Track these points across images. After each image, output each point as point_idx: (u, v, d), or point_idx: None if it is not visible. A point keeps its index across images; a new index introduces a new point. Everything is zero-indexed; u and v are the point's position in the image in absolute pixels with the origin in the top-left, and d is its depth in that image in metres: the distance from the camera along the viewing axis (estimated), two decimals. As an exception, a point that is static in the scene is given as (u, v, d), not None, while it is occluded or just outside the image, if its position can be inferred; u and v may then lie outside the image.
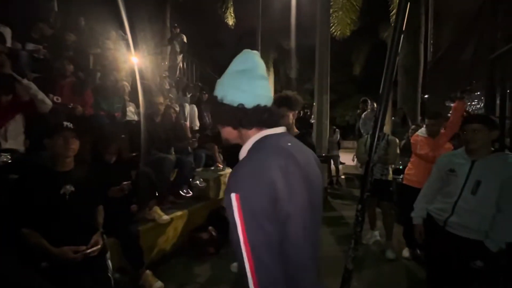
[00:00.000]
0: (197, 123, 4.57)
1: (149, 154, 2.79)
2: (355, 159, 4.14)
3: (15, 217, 1.47)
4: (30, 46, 3.23)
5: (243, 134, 0.73)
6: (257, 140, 0.71)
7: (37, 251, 1.43)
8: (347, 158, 7.91)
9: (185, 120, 4.19)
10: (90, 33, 4.64)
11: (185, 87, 5.18)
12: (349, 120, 17.35)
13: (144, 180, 2.48)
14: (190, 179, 3.25)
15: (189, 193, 3.24)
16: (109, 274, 1.68)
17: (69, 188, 1.56)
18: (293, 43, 12.09)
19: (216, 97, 0.72)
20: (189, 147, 3.51)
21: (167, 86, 5.11)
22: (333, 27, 7.14)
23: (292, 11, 9.85)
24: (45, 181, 1.53)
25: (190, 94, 5.17)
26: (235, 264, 2.33)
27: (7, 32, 2.87)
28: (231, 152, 2.89)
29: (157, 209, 2.60)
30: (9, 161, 1.94)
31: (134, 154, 2.85)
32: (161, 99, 3.14)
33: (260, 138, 0.72)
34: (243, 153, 0.73)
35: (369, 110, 4.79)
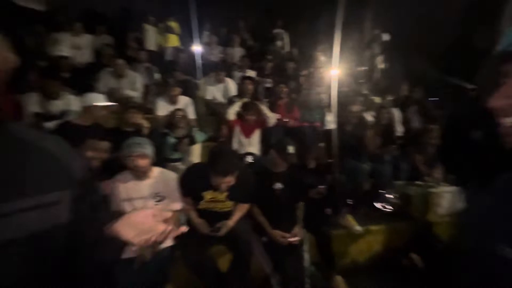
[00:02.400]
0: (400, 129, 3.99)
1: (343, 162, 2.87)
2: None
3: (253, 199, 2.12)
4: (266, 80, 4.60)
5: None
6: None
7: (260, 228, 1.98)
8: None
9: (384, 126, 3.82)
10: (301, 57, 5.72)
11: (385, 90, 4.73)
12: None
13: (338, 187, 2.59)
14: (386, 192, 2.91)
15: (386, 208, 2.90)
16: (305, 265, 1.94)
17: (279, 185, 2.01)
18: None
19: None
20: (387, 156, 3.15)
21: (364, 92, 4.98)
22: None
23: None
24: (266, 178, 2.08)
25: (393, 97, 4.64)
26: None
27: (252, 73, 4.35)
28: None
29: (349, 218, 2.60)
30: (252, 161, 2.86)
31: (330, 160, 3.07)
32: (356, 107, 3.13)
33: None
34: None
35: None
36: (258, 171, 2.22)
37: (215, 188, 1.69)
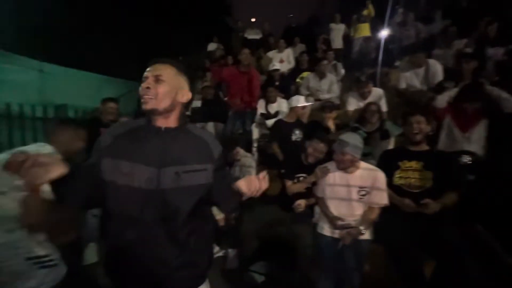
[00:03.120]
0: None
1: None
2: None
3: (470, 214, 1.66)
4: (491, 52, 3.29)
5: None
6: None
7: (490, 250, 1.51)
8: None
9: None
10: None
11: None
12: None
13: None
14: None
15: None
16: None
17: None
18: None
19: None
20: None
21: None
22: None
23: None
24: (499, 187, 1.54)
25: None
26: None
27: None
28: None
29: None
30: (469, 162, 2.19)
31: None
32: None
33: None
34: None
35: None
36: (483, 176, 1.70)
37: (410, 158, 1.83)
